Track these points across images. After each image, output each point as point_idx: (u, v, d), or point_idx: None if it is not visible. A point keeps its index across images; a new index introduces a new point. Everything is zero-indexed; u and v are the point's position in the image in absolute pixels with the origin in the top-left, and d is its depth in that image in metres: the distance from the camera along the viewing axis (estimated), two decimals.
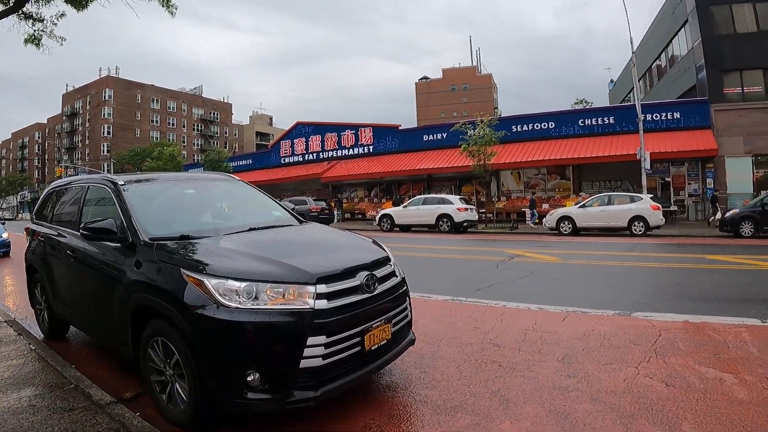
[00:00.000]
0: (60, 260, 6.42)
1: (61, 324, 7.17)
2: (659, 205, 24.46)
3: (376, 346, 4.45)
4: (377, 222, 30.84)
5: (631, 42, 31.24)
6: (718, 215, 25.31)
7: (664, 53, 42.99)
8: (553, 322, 7.27)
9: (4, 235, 20.47)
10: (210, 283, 4.01)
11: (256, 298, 3.97)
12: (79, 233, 5.62)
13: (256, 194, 6.88)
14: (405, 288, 5.09)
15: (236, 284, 3.98)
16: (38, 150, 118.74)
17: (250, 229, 5.38)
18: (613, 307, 8.16)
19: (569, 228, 24.97)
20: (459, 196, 31.50)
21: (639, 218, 23.70)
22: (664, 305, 8.48)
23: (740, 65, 32.66)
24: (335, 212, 38.42)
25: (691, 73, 35.78)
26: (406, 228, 29.69)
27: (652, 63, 46.09)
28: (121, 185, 5.64)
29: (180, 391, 4.27)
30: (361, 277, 4.42)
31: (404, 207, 30.32)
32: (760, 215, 22.02)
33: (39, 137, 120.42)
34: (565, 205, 29.51)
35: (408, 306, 5.08)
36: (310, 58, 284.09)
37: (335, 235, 5.74)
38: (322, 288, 4.13)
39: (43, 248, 6.97)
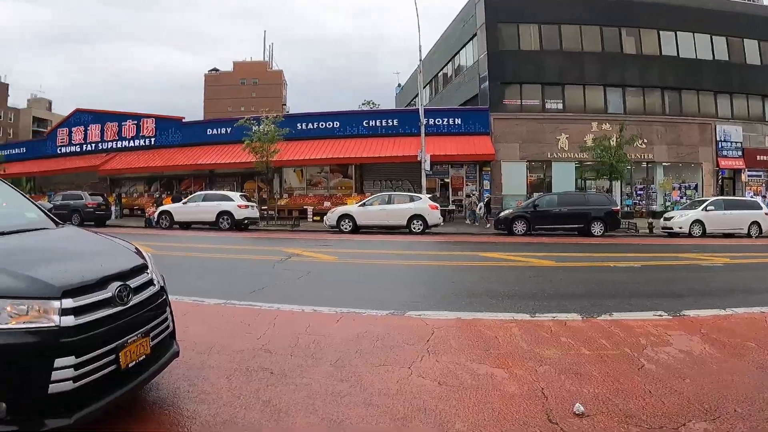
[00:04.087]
0: None
1: None
2: (437, 205, 26.02)
3: (134, 362, 4.01)
4: (156, 220, 29.16)
5: (420, 50, 33.37)
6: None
7: (451, 63, 46.25)
8: (327, 325, 7.10)
9: None
10: None
11: None
12: None
13: (8, 191, 5.93)
14: (164, 297, 4.67)
15: None
16: None
17: None
18: (387, 307, 8.17)
19: (350, 226, 25.33)
20: (240, 193, 30.91)
21: (418, 217, 24.86)
22: (438, 303, 8.71)
23: (520, 79, 36.59)
24: (113, 208, 35.91)
25: (474, 83, 38.88)
26: (186, 225, 28.42)
27: (439, 71, 49.36)
28: None
29: None
30: (112, 289, 3.93)
31: (184, 203, 29.23)
32: (532, 215, 24.81)
33: None
34: (347, 203, 30.00)
35: (169, 316, 4.70)
36: (99, 39, 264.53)
37: (89, 242, 5.15)
38: (68, 302, 3.60)
39: None
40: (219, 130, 39.70)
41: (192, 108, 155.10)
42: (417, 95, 37.25)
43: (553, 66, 36.24)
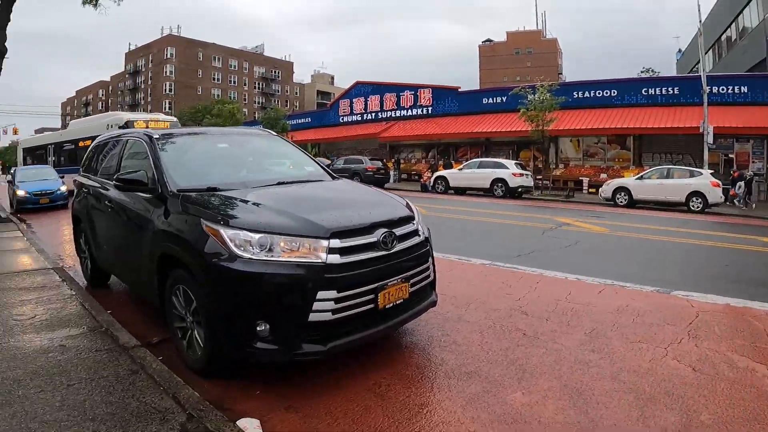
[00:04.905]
0: (101, 211, 6.61)
1: (103, 272, 7.34)
2: (719, 182, 23.36)
3: (392, 305, 4.41)
4: (432, 184, 30.56)
5: (699, 11, 29.88)
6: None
7: (734, 24, 40.43)
8: (588, 294, 7.07)
9: (63, 188, 21.46)
10: (226, 233, 4.08)
11: (270, 250, 4.01)
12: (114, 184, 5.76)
13: (290, 149, 6.85)
14: (428, 248, 4.97)
15: (251, 235, 4.03)
16: (102, 107, 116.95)
17: (278, 183, 5.40)
18: (653, 283, 7.83)
19: (625, 199, 24.34)
20: (515, 161, 30.92)
21: (697, 194, 22.81)
22: (708, 286, 8.05)
23: None
24: (392, 172, 38.07)
25: (761, 45, 33.50)
26: (461, 191, 29.45)
27: (722, 34, 43.53)
28: (156, 138, 5.72)
29: (197, 337, 4.39)
30: (378, 234, 4.35)
31: (459, 170, 30.17)
32: None
33: (102, 95, 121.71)
34: (624, 176, 28.67)
35: (431, 266, 5.01)
36: (373, 18, 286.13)
37: (361, 192, 5.68)
38: (335, 243, 4.11)
39: (87, 200, 7.19)
40: (494, 99, 40.00)
41: (467, 78, 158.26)
42: (698, 62, 33.82)
43: None
